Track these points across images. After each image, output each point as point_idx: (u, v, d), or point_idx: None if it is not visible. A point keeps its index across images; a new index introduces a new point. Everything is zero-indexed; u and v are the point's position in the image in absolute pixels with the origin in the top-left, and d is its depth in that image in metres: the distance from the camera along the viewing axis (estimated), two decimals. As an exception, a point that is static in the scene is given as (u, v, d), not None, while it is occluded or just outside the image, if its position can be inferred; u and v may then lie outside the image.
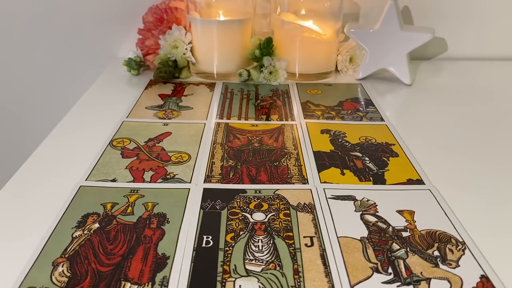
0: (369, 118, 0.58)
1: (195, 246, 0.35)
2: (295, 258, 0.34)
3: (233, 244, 0.35)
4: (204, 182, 0.44)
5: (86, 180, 0.44)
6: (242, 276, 0.32)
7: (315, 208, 0.40)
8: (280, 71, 0.68)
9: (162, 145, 0.51)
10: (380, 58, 0.70)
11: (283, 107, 0.61)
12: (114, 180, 0.44)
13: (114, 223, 0.38)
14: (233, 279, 0.32)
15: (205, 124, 0.56)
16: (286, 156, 0.49)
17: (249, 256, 0.34)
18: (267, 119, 0.58)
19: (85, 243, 0.35)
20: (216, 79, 0.71)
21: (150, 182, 0.44)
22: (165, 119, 0.57)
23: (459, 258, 0.34)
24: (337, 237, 0.36)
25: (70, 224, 0.37)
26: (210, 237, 0.36)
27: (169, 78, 0.70)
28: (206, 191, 0.42)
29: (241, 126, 0.56)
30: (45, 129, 0.57)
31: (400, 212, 0.40)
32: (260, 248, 0.35)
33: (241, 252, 0.34)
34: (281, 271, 0.33)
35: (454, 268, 0.33)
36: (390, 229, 0.37)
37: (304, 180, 0.44)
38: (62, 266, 0.33)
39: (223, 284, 0.32)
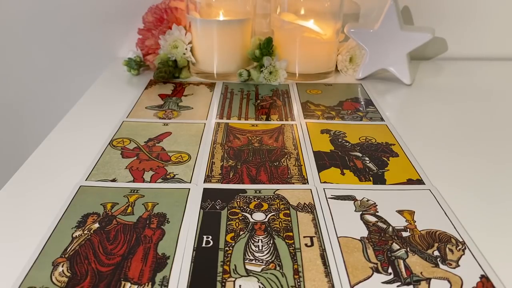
0: (369, 118, 0.58)
1: (195, 246, 0.35)
2: (295, 258, 0.34)
3: (233, 244, 0.35)
4: (204, 182, 0.44)
5: (86, 180, 0.44)
6: (242, 276, 0.32)
7: (315, 208, 0.40)
8: (280, 71, 0.68)
9: (162, 145, 0.51)
10: (380, 58, 0.70)
11: (283, 107, 0.61)
12: (114, 180, 0.44)
13: (114, 223, 0.38)
14: (233, 279, 0.32)
15: (205, 124, 0.56)
16: (286, 156, 0.49)
17: (249, 256, 0.34)
18: (267, 119, 0.58)
19: (85, 243, 0.35)
20: (216, 79, 0.71)
21: (150, 182, 0.44)
22: (165, 119, 0.57)
23: (459, 258, 0.34)
24: (337, 237, 0.36)
25: (70, 224, 0.37)
26: (210, 237, 0.36)
27: (169, 78, 0.70)
28: (206, 191, 0.42)
29: (241, 126, 0.56)
30: (45, 129, 0.57)
31: (400, 212, 0.40)
32: (260, 248, 0.35)
33: (241, 252, 0.34)
34: (281, 271, 0.33)
35: (454, 268, 0.33)
36: (390, 229, 0.37)
37: (304, 180, 0.44)
38: (62, 266, 0.33)
39: (223, 284, 0.32)
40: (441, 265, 0.34)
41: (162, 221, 0.38)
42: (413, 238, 0.36)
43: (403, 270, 0.33)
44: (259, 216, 0.39)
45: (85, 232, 0.37)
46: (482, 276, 0.33)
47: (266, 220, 0.38)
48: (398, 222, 0.38)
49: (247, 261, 0.34)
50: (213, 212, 0.39)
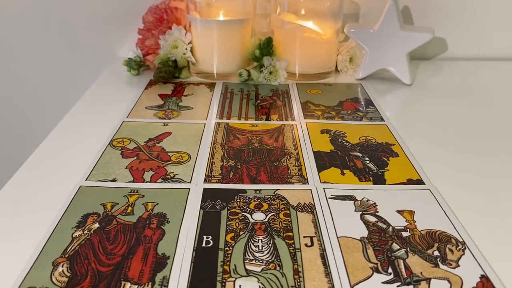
0: (369, 118, 0.58)
1: (195, 246, 0.35)
2: (295, 258, 0.34)
3: (233, 244, 0.35)
4: (204, 182, 0.44)
5: (86, 180, 0.44)
6: (242, 276, 0.32)
7: (315, 208, 0.40)
8: (280, 71, 0.68)
9: (162, 145, 0.51)
10: (380, 58, 0.70)
11: (283, 107, 0.61)
12: (114, 180, 0.44)
13: (114, 223, 0.38)
14: (233, 279, 0.32)
15: (205, 124, 0.56)
16: (286, 156, 0.49)
17: (249, 256, 0.34)
18: (267, 119, 0.58)
19: (85, 243, 0.35)
20: (216, 79, 0.71)
21: (150, 182, 0.44)
22: (165, 119, 0.57)
23: (459, 258, 0.34)
24: (337, 237, 0.36)
25: (70, 224, 0.37)
26: (210, 237, 0.36)
27: (169, 78, 0.70)
28: (206, 191, 0.42)
29: (241, 126, 0.56)
30: (45, 129, 0.57)
31: (400, 212, 0.40)
32: (260, 248, 0.35)
33: (241, 252, 0.34)
34: (281, 271, 0.33)
35: (454, 268, 0.33)
36: (390, 229, 0.37)
37: (304, 180, 0.44)
38: (62, 266, 0.33)
39: (223, 284, 0.32)
40: (441, 265, 0.34)
41: (162, 221, 0.38)
42: (413, 238, 0.36)
43: (403, 270, 0.33)
44: (259, 216, 0.39)
45: (85, 232, 0.37)
46: (482, 276, 0.33)
47: (266, 220, 0.38)
48: (398, 222, 0.38)
49: (247, 261, 0.34)
50: (213, 212, 0.39)
